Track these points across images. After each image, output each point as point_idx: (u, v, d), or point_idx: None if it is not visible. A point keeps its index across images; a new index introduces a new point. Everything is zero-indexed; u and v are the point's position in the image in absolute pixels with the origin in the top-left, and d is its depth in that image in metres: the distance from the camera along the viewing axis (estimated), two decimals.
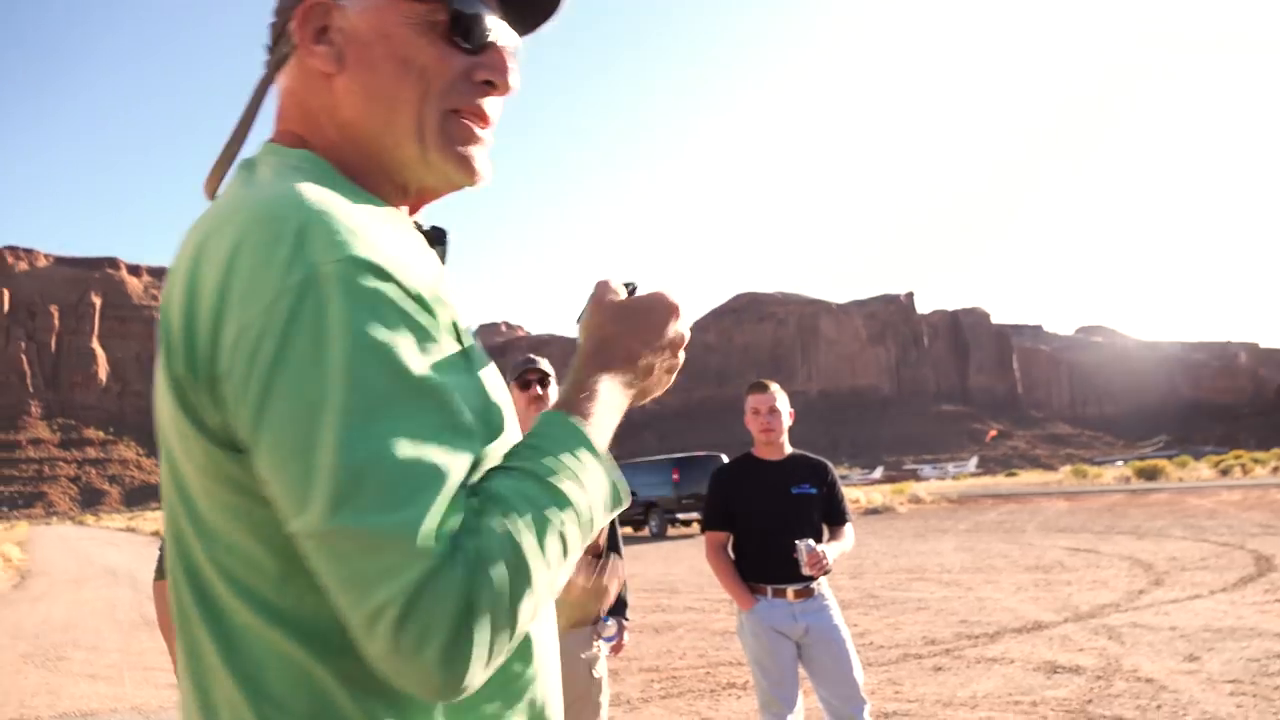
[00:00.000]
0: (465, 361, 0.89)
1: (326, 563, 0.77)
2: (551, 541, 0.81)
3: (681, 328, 1.04)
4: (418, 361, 0.80)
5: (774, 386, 4.21)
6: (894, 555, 15.86)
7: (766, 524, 4.03)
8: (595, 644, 3.44)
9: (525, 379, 3.94)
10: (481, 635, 0.76)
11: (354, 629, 0.77)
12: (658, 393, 1.07)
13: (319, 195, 0.85)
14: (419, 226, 1.06)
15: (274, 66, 1.04)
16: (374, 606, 0.74)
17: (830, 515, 4.12)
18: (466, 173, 1.02)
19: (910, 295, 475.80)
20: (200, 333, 0.82)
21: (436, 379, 0.81)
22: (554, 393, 3.97)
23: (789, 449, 4.19)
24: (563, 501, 0.83)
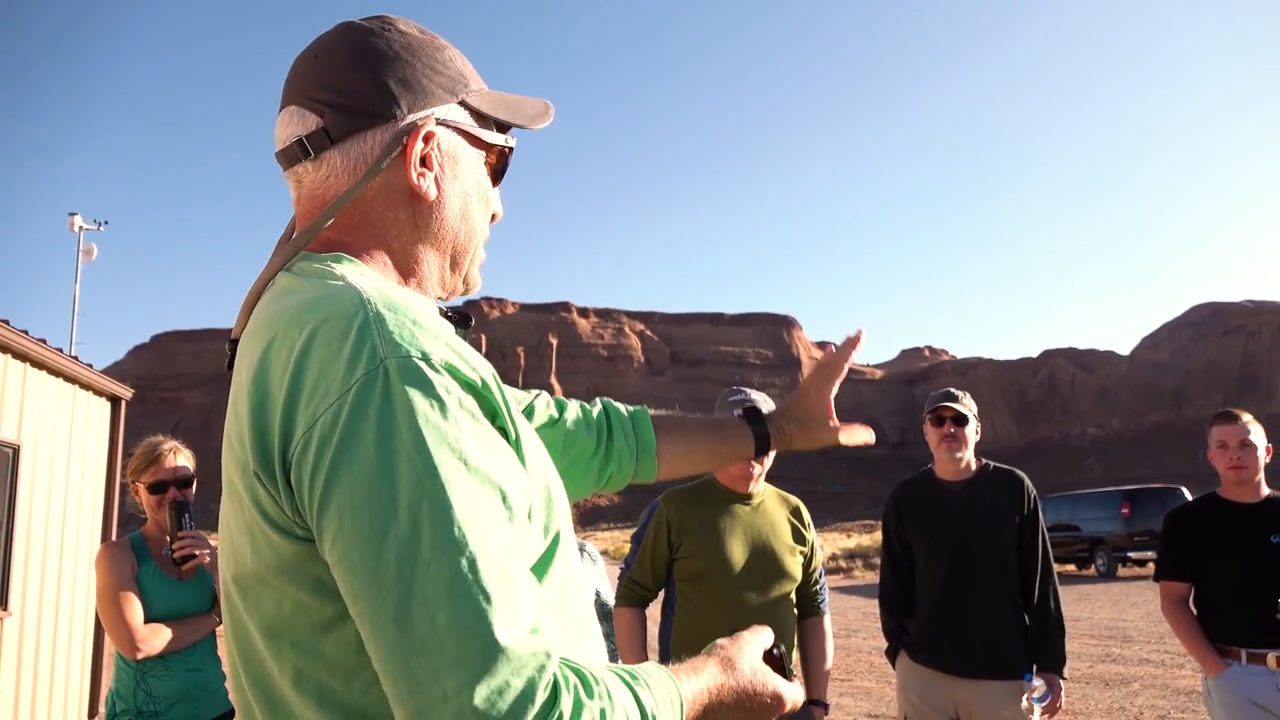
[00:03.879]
0: (517, 442, 0.92)
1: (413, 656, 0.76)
2: None
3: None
4: (478, 453, 0.83)
5: (1245, 417, 3.69)
6: None
7: (1238, 578, 3.54)
8: (1024, 700, 3.08)
9: (939, 415, 3.73)
10: None
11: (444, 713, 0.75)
12: None
13: (382, 291, 0.89)
14: (443, 311, 1.12)
15: (368, 178, 1.02)
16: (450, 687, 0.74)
17: None
18: (472, 290, 1.15)
19: None
20: (271, 431, 0.84)
21: (496, 470, 0.84)
22: (970, 433, 3.73)
23: (1266, 490, 3.65)
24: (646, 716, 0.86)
